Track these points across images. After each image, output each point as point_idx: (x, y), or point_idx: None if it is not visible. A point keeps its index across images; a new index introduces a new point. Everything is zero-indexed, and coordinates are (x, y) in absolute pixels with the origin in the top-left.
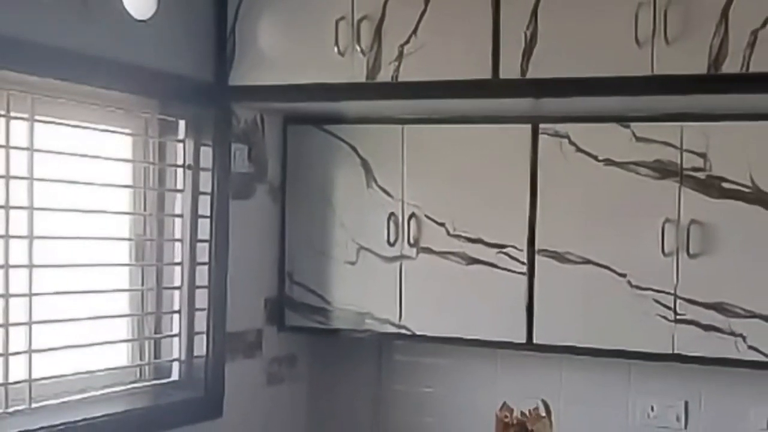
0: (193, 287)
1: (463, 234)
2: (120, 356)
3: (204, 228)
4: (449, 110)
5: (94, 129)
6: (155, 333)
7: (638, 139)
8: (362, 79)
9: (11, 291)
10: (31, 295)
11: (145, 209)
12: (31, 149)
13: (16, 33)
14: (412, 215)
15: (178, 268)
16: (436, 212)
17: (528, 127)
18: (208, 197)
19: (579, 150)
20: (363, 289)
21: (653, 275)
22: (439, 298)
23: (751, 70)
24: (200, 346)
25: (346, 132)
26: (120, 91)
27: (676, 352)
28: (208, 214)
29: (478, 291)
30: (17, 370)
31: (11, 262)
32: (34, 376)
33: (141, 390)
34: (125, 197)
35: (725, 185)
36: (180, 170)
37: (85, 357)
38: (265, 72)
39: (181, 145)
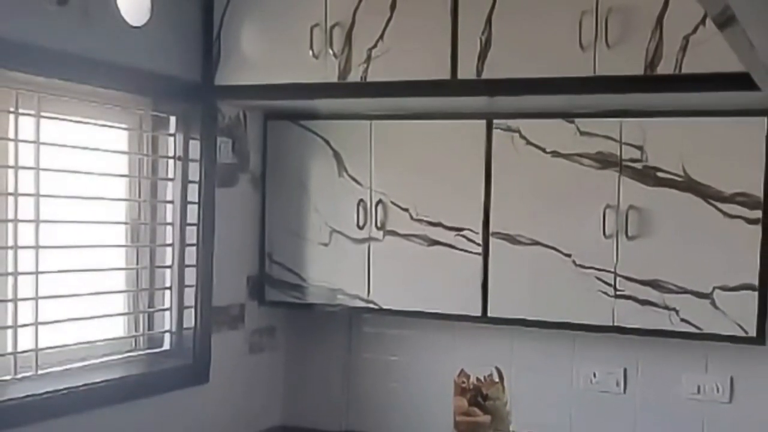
0: (182, 266)
1: (425, 218)
2: (117, 328)
3: (192, 213)
4: (412, 107)
5: (94, 124)
6: (149, 307)
7: (582, 133)
8: (334, 79)
9: (20, 269)
10: (37, 273)
11: (139, 196)
12: (37, 142)
13: (24, 38)
14: (379, 201)
15: (169, 249)
16: (400, 199)
17: (483, 122)
18: (196, 185)
19: (529, 143)
20: (335, 268)
21: (595, 255)
22: (403, 276)
23: (683, 71)
24: (189, 319)
25: (319, 127)
26: (117, 90)
27: (615, 324)
28: (196, 200)
29: (438, 269)
30: (25, 340)
31: (20, 243)
32: (40, 345)
33: (136, 358)
34: (122, 185)
35: (660, 174)
36: (171, 161)
37: (86, 328)
38: (247, 73)
39: (171, 138)
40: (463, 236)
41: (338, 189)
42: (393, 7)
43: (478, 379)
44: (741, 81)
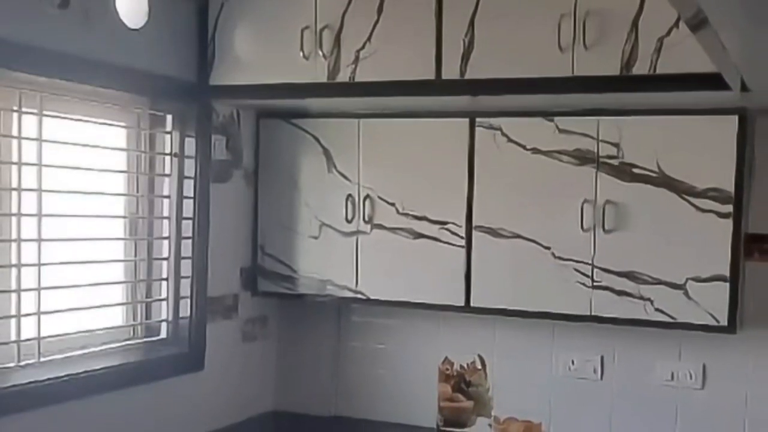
0: (178, 258)
1: (411, 212)
2: (116, 317)
3: (188, 207)
4: (399, 106)
5: (94, 122)
6: (146, 297)
7: (561, 131)
8: (324, 79)
9: (23, 261)
10: (40, 264)
11: (137, 191)
12: (39, 140)
13: (27, 40)
14: (367, 196)
15: (166, 242)
16: (387, 194)
17: (466, 120)
18: (192, 181)
19: (510, 140)
20: (324, 260)
21: (574, 248)
22: (390, 267)
23: (658, 71)
24: (185, 309)
25: (310, 125)
26: (116, 89)
27: (593, 313)
28: (192, 195)
29: (423, 261)
30: (28, 329)
31: (23, 236)
32: (43, 334)
33: (134, 346)
34: (120, 181)
35: (635, 170)
36: (167, 158)
37: (86, 318)
38: (240, 73)
39: (168, 136)
40: (447, 229)
41: (327, 184)
42: (380, 10)
43: (461, 366)
44: (713, 81)
